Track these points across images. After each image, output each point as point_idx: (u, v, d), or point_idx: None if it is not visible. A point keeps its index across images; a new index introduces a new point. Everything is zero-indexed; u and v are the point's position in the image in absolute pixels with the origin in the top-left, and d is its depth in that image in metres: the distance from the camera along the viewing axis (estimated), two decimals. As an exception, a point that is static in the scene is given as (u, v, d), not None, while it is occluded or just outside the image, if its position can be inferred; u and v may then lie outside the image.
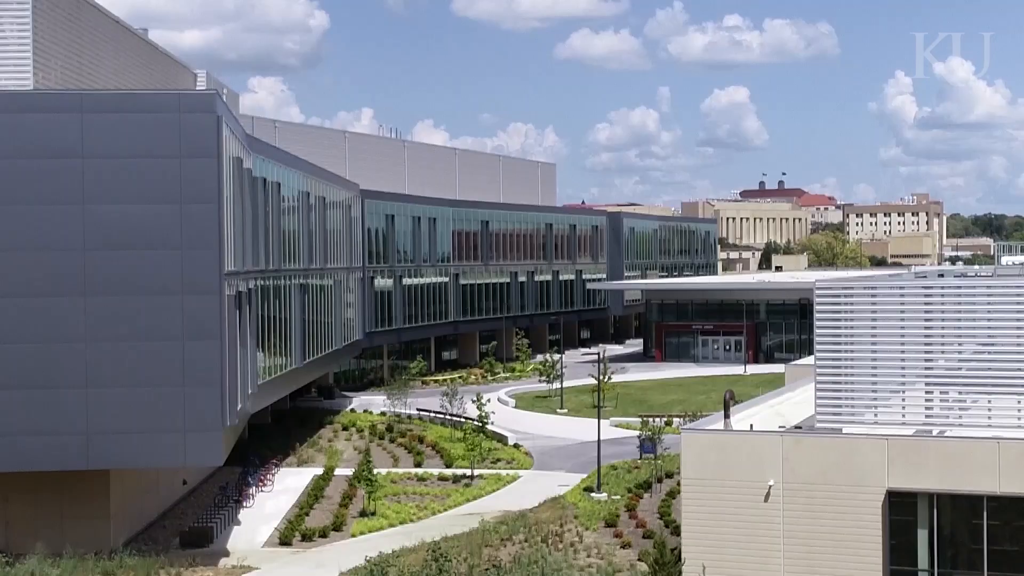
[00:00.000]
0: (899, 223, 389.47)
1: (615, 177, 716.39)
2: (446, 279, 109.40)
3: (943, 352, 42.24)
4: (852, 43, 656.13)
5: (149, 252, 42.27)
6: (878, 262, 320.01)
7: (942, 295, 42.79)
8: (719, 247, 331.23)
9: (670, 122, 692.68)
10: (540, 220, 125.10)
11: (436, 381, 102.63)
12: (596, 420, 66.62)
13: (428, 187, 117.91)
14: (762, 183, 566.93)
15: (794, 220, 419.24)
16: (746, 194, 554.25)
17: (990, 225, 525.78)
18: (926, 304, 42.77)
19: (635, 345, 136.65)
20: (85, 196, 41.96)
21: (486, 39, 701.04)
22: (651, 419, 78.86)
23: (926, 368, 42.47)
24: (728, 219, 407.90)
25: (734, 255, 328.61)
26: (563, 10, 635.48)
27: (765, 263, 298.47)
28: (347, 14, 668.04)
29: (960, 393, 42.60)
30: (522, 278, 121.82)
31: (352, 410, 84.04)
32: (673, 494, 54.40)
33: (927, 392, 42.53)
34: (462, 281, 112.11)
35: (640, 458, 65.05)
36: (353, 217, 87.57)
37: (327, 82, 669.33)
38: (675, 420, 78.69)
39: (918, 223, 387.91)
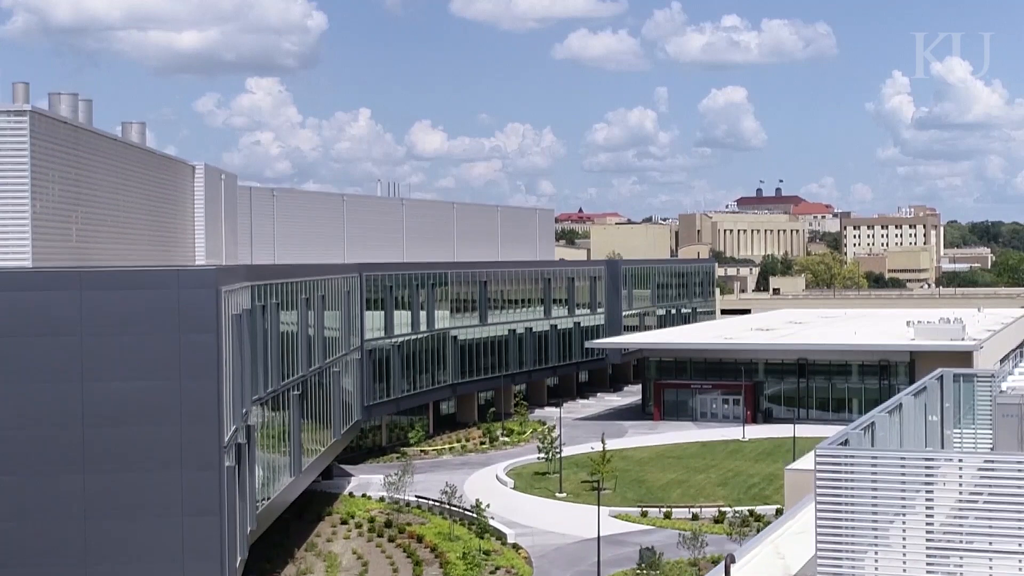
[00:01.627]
0: (896, 235, 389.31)
1: (612, 177, 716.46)
2: (445, 342, 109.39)
3: (943, 522, 42.30)
4: (850, 43, 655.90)
5: (148, 428, 42.23)
6: (876, 278, 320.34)
7: (944, 469, 42.76)
8: (716, 263, 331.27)
9: (668, 122, 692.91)
10: (538, 275, 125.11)
11: (436, 450, 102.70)
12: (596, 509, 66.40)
13: (427, 244, 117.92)
14: (759, 190, 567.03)
15: (791, 231, 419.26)
16: (743, 201, 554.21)
17: (987, 232, 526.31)
18: (927, 477, 42.75)
19: (633, 393, 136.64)
20: (84, 373, 41.91)
21: (484, 39, 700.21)
22: (650, 509, 79.33)
23: (927, 536, 42.55)
24: (725, 231, 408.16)
25: (732, 270, 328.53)
26: (561, 10, 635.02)
27: (763, 282, 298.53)
28: (345, 15, 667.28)
29: (961, 558, 42.70)
30: (520, 332, 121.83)
31: (351, 494, 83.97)
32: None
33: (928, 559, 42.61)
34: (460, 342, 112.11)
35: (639, 566, 65.11)
36: (352, 299, 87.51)
37: (325, 83, 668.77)
38: (674, 511, 78.87)
39: (915, 236, 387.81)
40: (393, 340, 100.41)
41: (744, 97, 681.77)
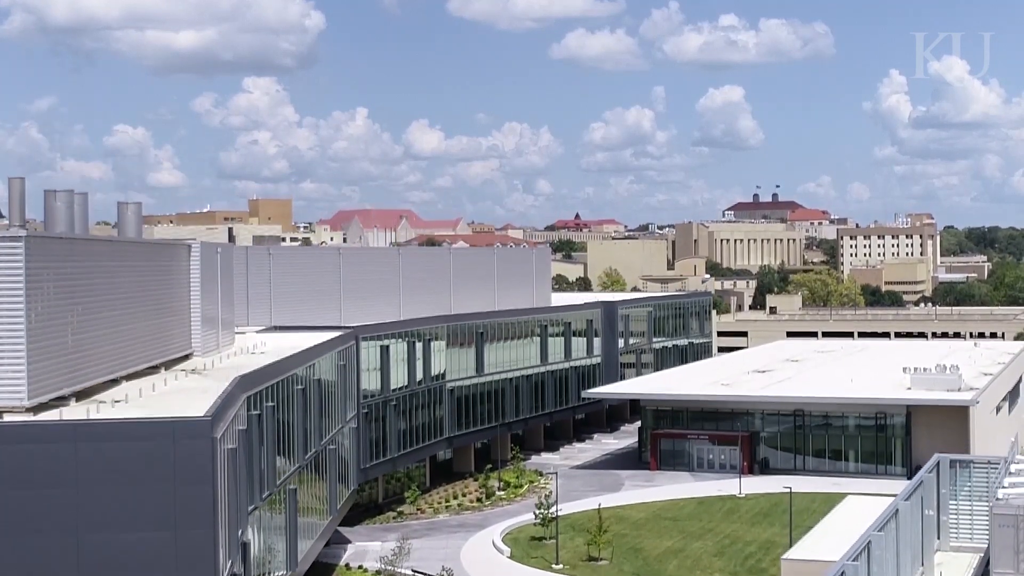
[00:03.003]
0: (893, 246, 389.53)
1: (610, 177, 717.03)
2: (441, 395, 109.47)
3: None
4: (848, 43, 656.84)
5: (144, 579, 42.22)
6: (872, 291, 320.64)
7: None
8: (712, 276, 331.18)
9: (665, 122, 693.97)
10: (535, 323, 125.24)
11: (432, 508, 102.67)
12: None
13: (424, 293, 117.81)
14: (756, 195, 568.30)
15: (788, 241, 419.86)
16: (740, 207, 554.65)
17: (984, 238, 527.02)
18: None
19: (629, 434, 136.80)
20: (79, 526, 41.87)
21: (481, 39, 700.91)
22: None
23: None
24: (722, 240, 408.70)
25: (728, 283, 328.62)
26: (558, 10, 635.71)
27: (760, 297, 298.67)
28: (343, 14, 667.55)
29: None
30: (516, 379, 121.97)
31: (347, 565, 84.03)
32: None
33: None
34: (457, 394, 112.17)
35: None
36: (349, 370, 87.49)
37: (322, 82, 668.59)
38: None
39: (912, 246, 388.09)
40: (389, 398, 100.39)
41: (742, 96, 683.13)
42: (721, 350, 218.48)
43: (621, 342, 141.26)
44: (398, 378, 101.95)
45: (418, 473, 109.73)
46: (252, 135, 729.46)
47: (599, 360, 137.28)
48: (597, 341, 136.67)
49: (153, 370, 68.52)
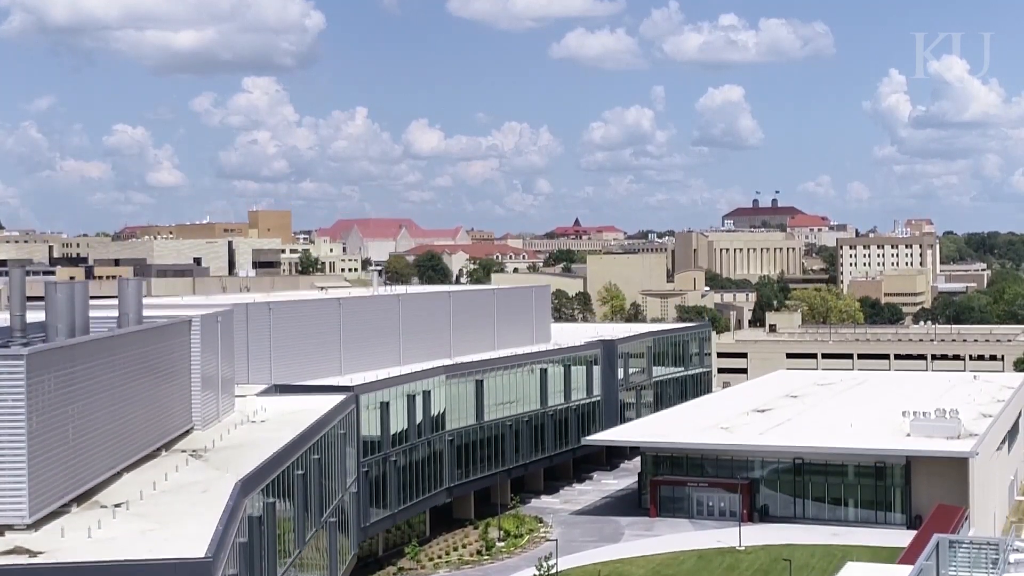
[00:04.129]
0: (892, 255, 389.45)
1: (609, 176, 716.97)
2: (441, 446, 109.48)
3: None
4: (847, 43, 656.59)
5: None
6: (871, 304, 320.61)
7: None
8: (711, 289, 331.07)
9: (665, 121, 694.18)
10: (535, 366, 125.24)
11: (433, 562, 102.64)
12: None
13: (424, 338, 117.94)
14: (755, 201, 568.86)
15: (788, 250, 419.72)
16: (739, 211, 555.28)
17: (983, 244, 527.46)
18: None
19: (628, 472, 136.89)
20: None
21: (481, 39, 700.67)
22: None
23: None
24: (721, 250, 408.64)
25: (728, 296, 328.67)
26: (558, 10, 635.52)
27: (759, 312, 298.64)
28: (342, 14, 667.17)
29: None
30: (516, 424, 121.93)
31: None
32: None
33: None
34: (456, 444, 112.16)
35: None
36: (349, 437, 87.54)
37: (322, 82, 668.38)
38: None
39: (911, 255, 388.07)
40: (389, 454, 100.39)
41: (741, 96, 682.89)
42: (721, 372, 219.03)
43: (621, 380, 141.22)
44: (398, 433, 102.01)
45: (418, 521, 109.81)
46: (252, 135, 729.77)
47: (599, 398, 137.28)
48: (597, 380, 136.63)
49: (155, 453, 68.63)
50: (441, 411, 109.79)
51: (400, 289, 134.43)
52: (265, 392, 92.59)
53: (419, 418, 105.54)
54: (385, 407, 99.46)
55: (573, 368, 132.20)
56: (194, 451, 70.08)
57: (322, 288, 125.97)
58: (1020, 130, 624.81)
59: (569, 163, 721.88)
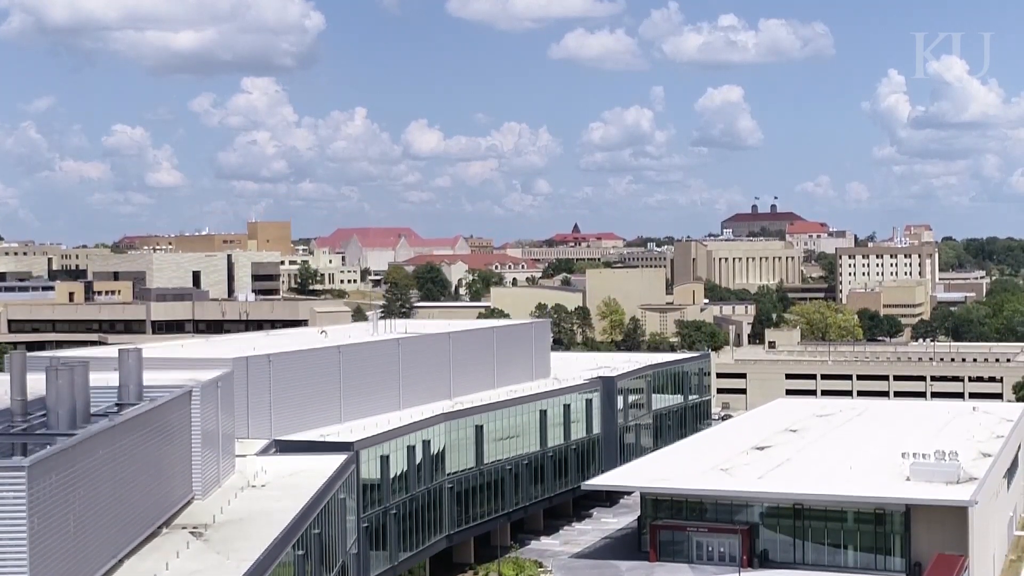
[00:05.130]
0: (891, 264, 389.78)
1: (608, 176, 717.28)
2: (441, 495, 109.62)
3: None
4: (847, 43, 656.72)
5: None
6: (870, 316, 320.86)
7: None
8: (710, 301, 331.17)
9: (664, 122, 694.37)
10: (535, 408, 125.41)
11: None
12: None
13: (424, 381, 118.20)
14: (754, 207, 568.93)
15: (787, 259, 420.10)
16: (738, 218, 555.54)
17: (982, 250, 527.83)
18: None
19: (629, 508, 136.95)
20: None
21: (480, 39, 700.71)
22: None
23: None
24: (720, 259, 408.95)
25: (727, 309, 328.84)
26: (558, 10, 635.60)
27: (758, 327, 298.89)
28: (342, 14, 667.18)
29: None
30: (516, 468, 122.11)
31: None
32: None
33: None
34: (456, 490, 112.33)
35: None
36: (349, 494, 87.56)
37: (321, 82, 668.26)
38: None
39: (910, 265, 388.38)
40: (389, 507, 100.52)
41: (740, 96, 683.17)
42: (720, 392, 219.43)
43: (620, 416, 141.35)
44: (398, 485, 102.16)
45: (418, 567, 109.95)
46: (251, 135, 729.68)
47: (598, 435, 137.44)
48: (596, 418, 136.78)
49: (156, 532, 68.70)
50: (441, 458, 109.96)
51: (400, 326, 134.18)
52: (265, 450, 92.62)
53: (419, 467, 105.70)
54: (385, 460, 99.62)
55: (572, 407, 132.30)
56: (195, 528, 70.14)
57: (322, 332, 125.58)
58: (1020, 130, 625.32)
59: (568, 164, 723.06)
